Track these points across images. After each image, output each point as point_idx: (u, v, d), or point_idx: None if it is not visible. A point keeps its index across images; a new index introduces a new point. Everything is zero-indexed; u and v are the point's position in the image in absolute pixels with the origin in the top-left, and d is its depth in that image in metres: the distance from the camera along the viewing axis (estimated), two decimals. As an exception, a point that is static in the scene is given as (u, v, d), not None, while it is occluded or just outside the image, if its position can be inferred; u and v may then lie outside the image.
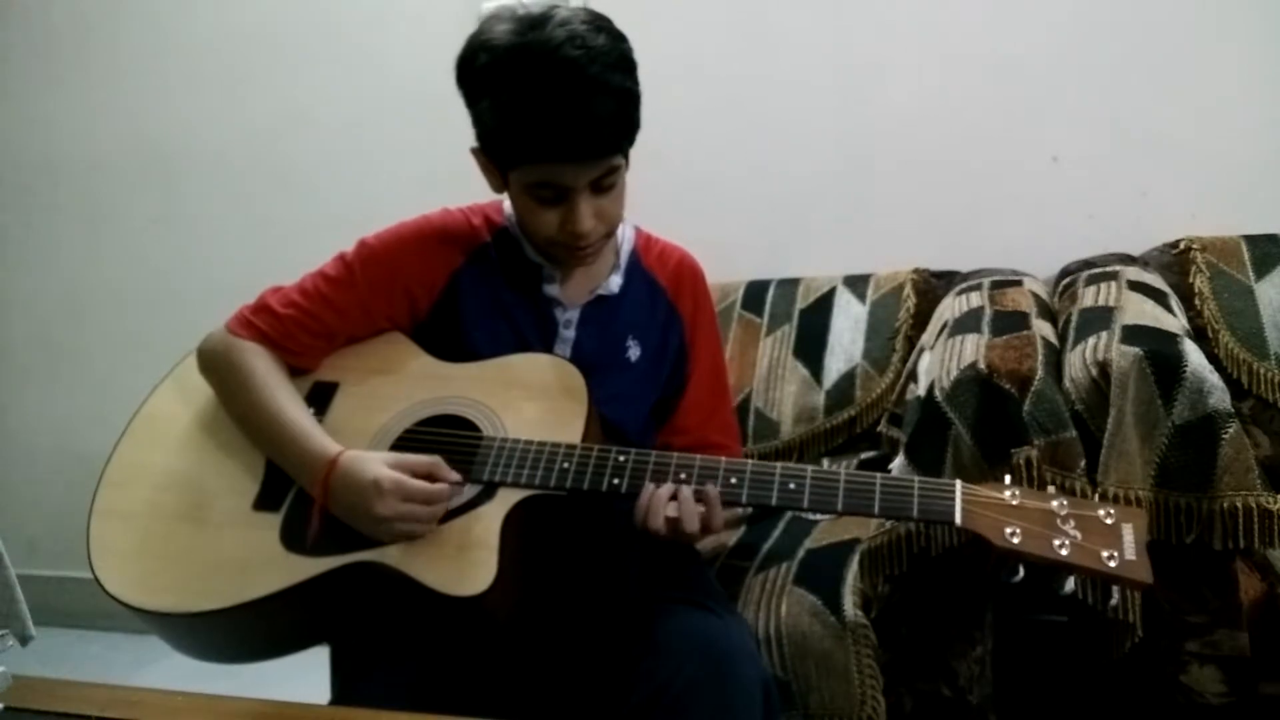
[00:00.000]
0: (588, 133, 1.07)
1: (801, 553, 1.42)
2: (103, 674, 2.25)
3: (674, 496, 1.06)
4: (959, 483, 1.01)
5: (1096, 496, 1.19)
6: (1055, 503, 0.97)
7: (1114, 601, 0.95)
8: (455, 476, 1.08)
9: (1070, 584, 0.96)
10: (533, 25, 1.07)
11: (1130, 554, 0.93)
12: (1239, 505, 1.15)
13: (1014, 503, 0.98)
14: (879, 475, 1.04)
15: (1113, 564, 0.92)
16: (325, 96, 2.28)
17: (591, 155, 1.09)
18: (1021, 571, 0.95)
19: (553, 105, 1.05)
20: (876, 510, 1.03)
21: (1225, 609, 1.21)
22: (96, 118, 2.46)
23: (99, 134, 2.46)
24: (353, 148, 2.27)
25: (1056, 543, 0.94)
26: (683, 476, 1.07)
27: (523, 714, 1.10)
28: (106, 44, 2.42)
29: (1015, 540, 0.94)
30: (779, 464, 1.07)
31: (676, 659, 1.04)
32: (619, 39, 1.10)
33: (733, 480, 1.06)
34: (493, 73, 1.08)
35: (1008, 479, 1.01)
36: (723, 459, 1.09)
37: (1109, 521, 0.95)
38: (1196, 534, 1.17)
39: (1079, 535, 0.94)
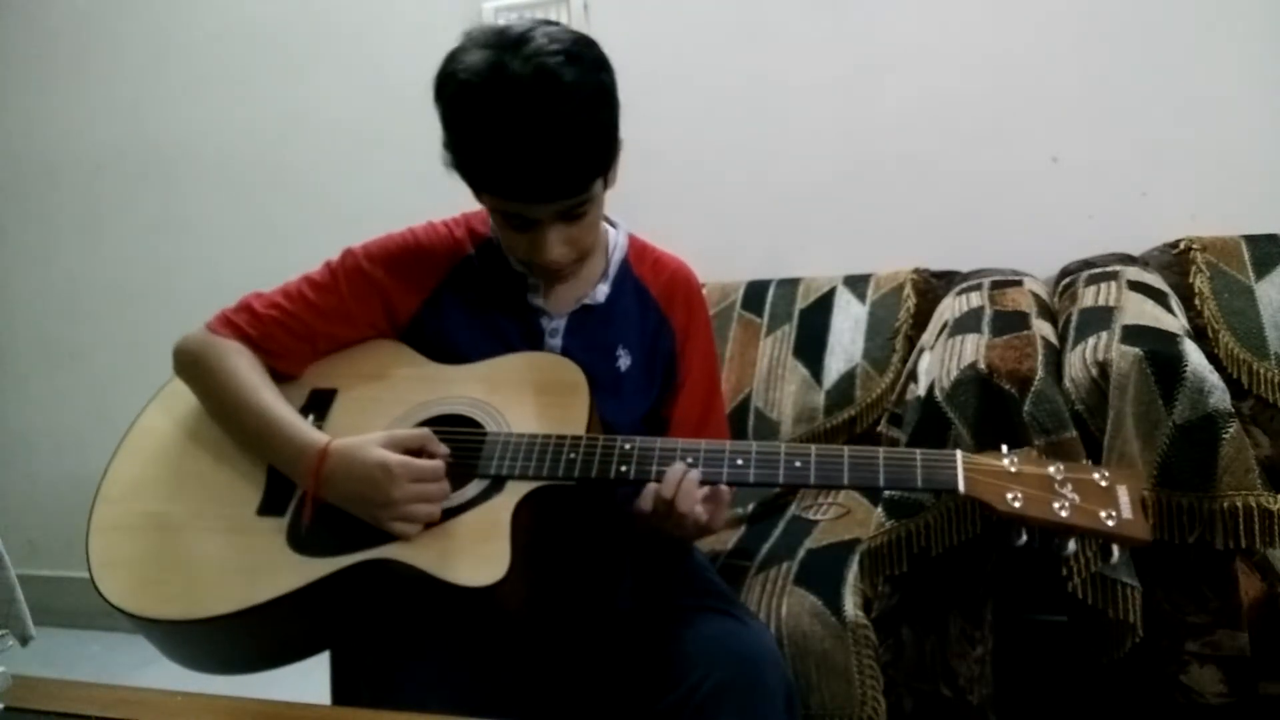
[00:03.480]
0: (550, 177, 1.04)
1: (802, 553, 1.42)
2: (103, 674, 2.24)
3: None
4: (959, 452, 1.03)
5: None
6: (1052, 468, 1.01)
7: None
8: (444, 449, 1.08)
9: (1072, 545, 0.99)
10: (502, 56, 1.02)
11: (1127, 513, 0.96)
12: (1239, 505, 1.15)
13: (1013, 470, 1.01)
14: (881, 449, 1.06)
15: (1111, 523, 0.96)
16: (326, 98, 2.28)
17: (554, 197, 1.07)
18: (1025, 535, 0.98)
19: (513, 150, 1.02)
20: (882, 482, 1.05)
21: (1225, 609, 1.21)
22: (96, 118, 2.46)
23: (99, 134, 2.47)
24: (353, 149, 2.27)
25: (1056, 505, 0.97)
26: (689, 460, 1.07)
27: (549, 718, 1.10)
28: (106, 44, 2.42)
29: (1017, 505, 0.97)
30: (783, 443, 1.08)
31: (704, 665, 1.04)
32: (593, 68, 1.05)
33: (739, 461, 1.07)
34: (458, 108, 1.05)
35: (1004, 448, 1.04)
36: (728, 442, 1.09)
37: (1104, 484, 0.99)
38: (1198, 534, 1.17)
39: (1077, 498, 0.98)
